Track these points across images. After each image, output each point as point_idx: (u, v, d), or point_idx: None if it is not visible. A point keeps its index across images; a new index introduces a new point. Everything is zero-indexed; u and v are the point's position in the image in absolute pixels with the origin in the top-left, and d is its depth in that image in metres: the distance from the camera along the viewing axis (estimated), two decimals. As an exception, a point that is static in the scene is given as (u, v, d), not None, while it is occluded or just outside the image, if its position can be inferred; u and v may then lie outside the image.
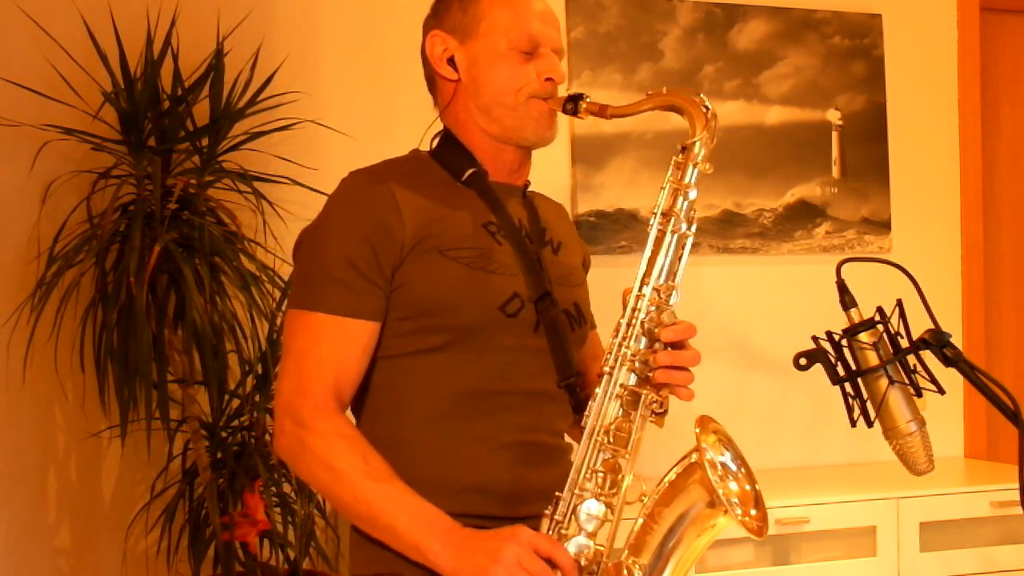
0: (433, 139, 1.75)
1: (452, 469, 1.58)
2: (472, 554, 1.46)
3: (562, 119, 1.70)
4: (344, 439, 1.54)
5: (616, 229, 3.31)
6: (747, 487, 1.58)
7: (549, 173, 3.16)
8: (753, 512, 1.56)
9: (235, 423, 2.76)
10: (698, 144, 1.59)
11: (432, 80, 1.75)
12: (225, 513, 2.60)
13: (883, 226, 3.63)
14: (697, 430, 1.55)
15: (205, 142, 2.78)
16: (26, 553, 2.84)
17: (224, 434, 2.75)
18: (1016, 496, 1.52)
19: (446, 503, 1.52)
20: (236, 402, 2.76)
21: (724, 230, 3.46)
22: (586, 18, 3.33)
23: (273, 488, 2.67)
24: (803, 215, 3.55)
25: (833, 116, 3.60)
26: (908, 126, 3.69)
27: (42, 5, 2.81)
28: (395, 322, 1.60)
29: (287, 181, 2.78)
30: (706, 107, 1.60)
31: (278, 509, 2.72)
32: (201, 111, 2.80)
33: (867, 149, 3.64)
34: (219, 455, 2.71)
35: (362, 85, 3.09)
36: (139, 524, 2.84)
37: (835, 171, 3.59)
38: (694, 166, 1.59)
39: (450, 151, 1.71)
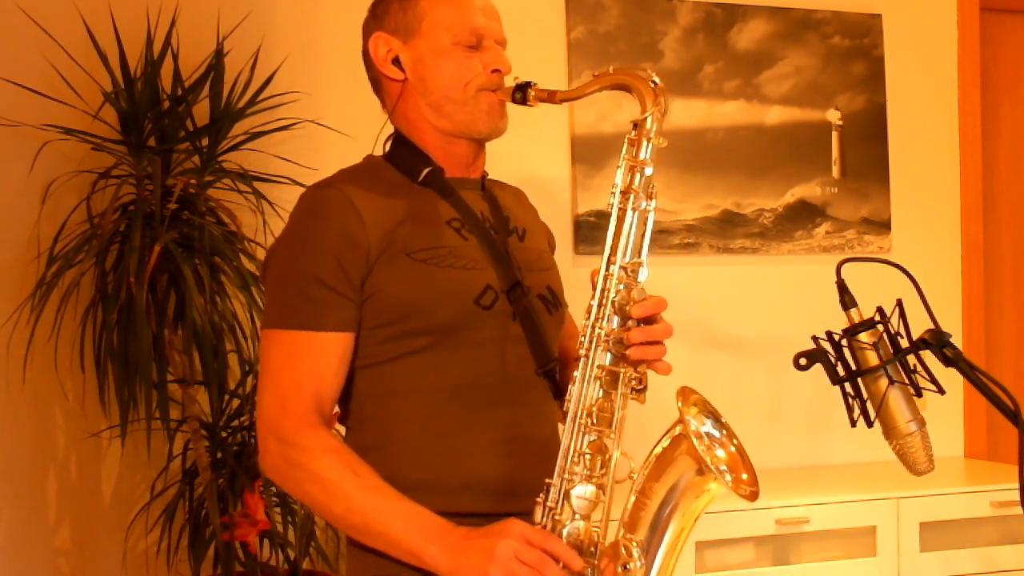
0: (385, 142, 1.75)
1: (445, 469, 1.59)
2: (468, 554, 1.46)
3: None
4: (331, 452, 1.54)
5: (616, 229, 3.30)
6: (732, 448, 1.58)
7: (549, 173, 3.17)
8: (744, 476, 1.56)
9: (235, 423, 2.76)
10: (650, 119, 1.59)
11: (378, 82, 1.76)
12: (225, 513, 2.60)
13: (883, 226, 3.63)
14: (679, 403, 1.56)
15: (205, 142, 2.78)
16: (26, 553, 2.84)
17: (224, 434, 2.75)
18: (1016, 496, 1.52)
19: (441, 503, 1.53)
20: (236, 402, 2.76)
21: (724, 230, 3.46)
22: (586, 18, 3.33)
23: (273, 488, 2.67)
24: (803, 215, 3.55)
25: (833, 116, 3.60)
26: (908, 126, 3.69)
27: (42, 5, 2.81)
28: (372, 331, 1.60)
29: (287, 181, 2.78)
30: (654, 82, 1.61)
31: (278, 509, 2.72)
32: (201, 111, 2.80)
33: (867, 149, 3.64)
34: (219, 455, 2.71)
35: (362, 85, 3.04)
36: (139, 524, 2.84)
37: (835, 171, 3.59)
38: (648, 141, 1.59)
39: (403, 152, 1.71)
